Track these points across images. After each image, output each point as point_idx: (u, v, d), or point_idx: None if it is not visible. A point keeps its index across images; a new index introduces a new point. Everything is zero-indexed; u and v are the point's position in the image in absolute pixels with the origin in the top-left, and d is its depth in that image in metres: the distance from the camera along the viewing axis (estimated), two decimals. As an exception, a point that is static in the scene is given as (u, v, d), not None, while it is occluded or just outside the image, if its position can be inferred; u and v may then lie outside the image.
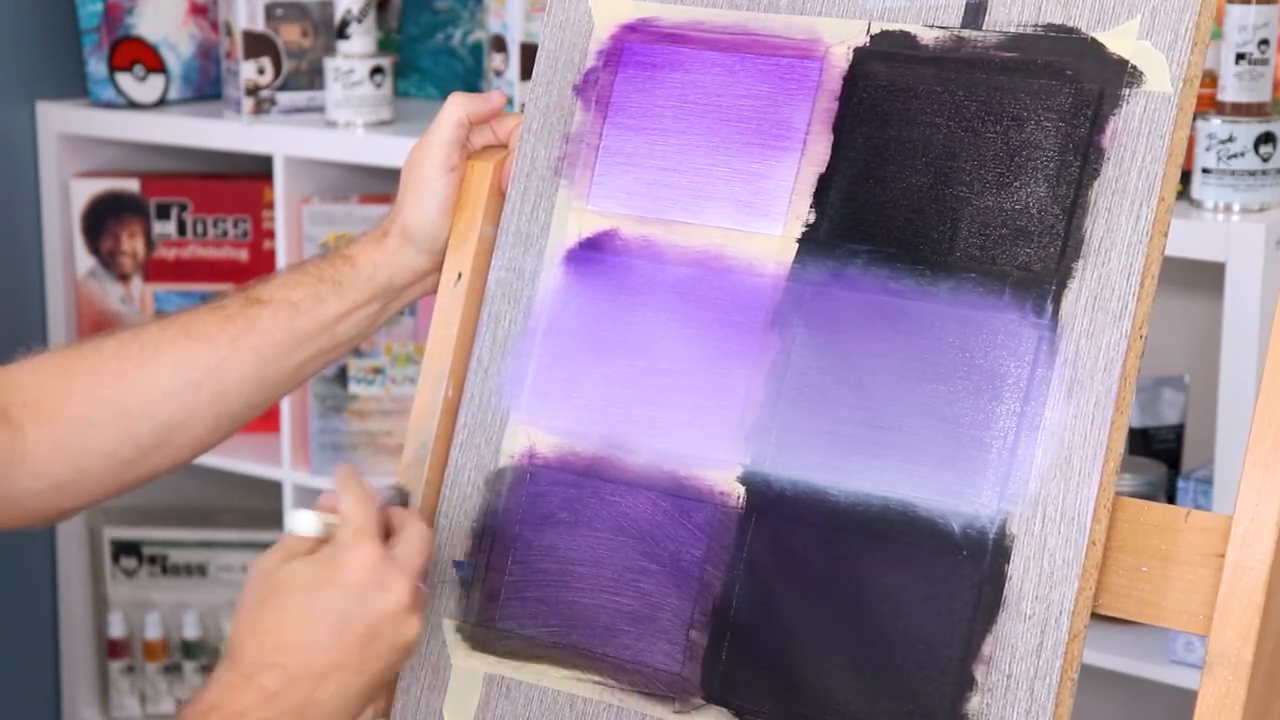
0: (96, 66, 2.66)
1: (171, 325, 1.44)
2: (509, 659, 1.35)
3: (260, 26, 2.56)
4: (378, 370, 2.52)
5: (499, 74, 2.41)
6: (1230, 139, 1.94)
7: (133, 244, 2.73)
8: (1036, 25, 1.26)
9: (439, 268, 1.45)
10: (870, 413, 1.26)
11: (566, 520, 1.34)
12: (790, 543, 1.27)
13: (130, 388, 1.41)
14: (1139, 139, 1.21)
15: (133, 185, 2.72)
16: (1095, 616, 1.21)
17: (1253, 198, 1.95)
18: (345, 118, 2.48)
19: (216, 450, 2.55)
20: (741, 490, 1.29)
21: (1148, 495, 2.03)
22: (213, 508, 2.88)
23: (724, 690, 1.27)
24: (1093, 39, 1.24)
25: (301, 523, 1.26)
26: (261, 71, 2.57)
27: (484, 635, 1.36)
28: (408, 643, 1.24)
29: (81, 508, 1.45)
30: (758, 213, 1.32)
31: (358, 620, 1.21)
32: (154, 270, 2.73)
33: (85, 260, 2.72)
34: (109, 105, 2.67)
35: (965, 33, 1.28)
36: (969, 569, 1.21)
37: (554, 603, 1.34)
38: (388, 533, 1.26)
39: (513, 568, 1.35)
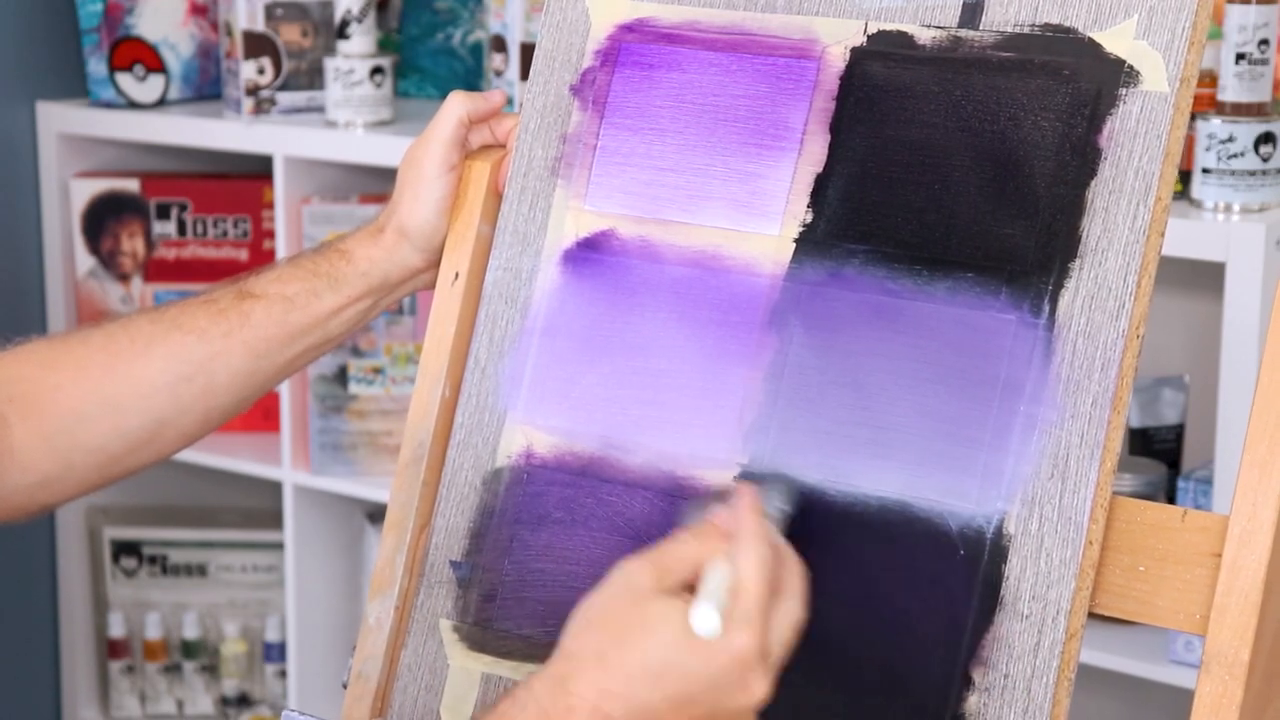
0: (96, 66, 2.66)
1: (162, 318, 1.43)
2: (506, 659, 1.35)
3: (260, 26, 2.56)
4: (378, 370, 2.52)
5: (499, 74, 2.41)
6: (1230, 139, 1.94)
7: (133, 244, 2.73)
8: (1033, 25, 1.26)
9: (433, 265, 1.45)
10: (868, 412, 1.26)
11: (564, 520, 1.34)
12: (787, 542, 1.26)
13: (121, 382, 1.40)
14: (1136, 139, 1.21)
15: (133, 185, 2.72)
16: (1093, 616, 1.21)
17: (1253, 198, 1.95)
18: (345, 118, 2.48)
19: (216, 450, 2.61)
20: (739, 490, 1.29)
21: (1148, 495, 2.03)
22: (213, 508, 2.89)
23: (721, 690, 1.27)
24: (1090, 39, 1.24)
25: (706, 624, 1.11)
26: (261, 71, 2.57)
27: (481, 635, 1.36)
28: None
29: (65, 502, 1.44)
30: (755, 213, 1.32)
31: (701, 707, 1.11)
32: (154, 270, 2.73)
33: (85, 260, 2.72)
34: (109, 105, 2.67)
35: (962, 32, 1.28)
36: (966, 569, 1.21)
37: (551, 603, 1.33)
38: (775, 594, 1.14)
39: (510, 568, 1.35)
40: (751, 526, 1.14)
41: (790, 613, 1.14)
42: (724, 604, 1.11)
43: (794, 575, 1.15)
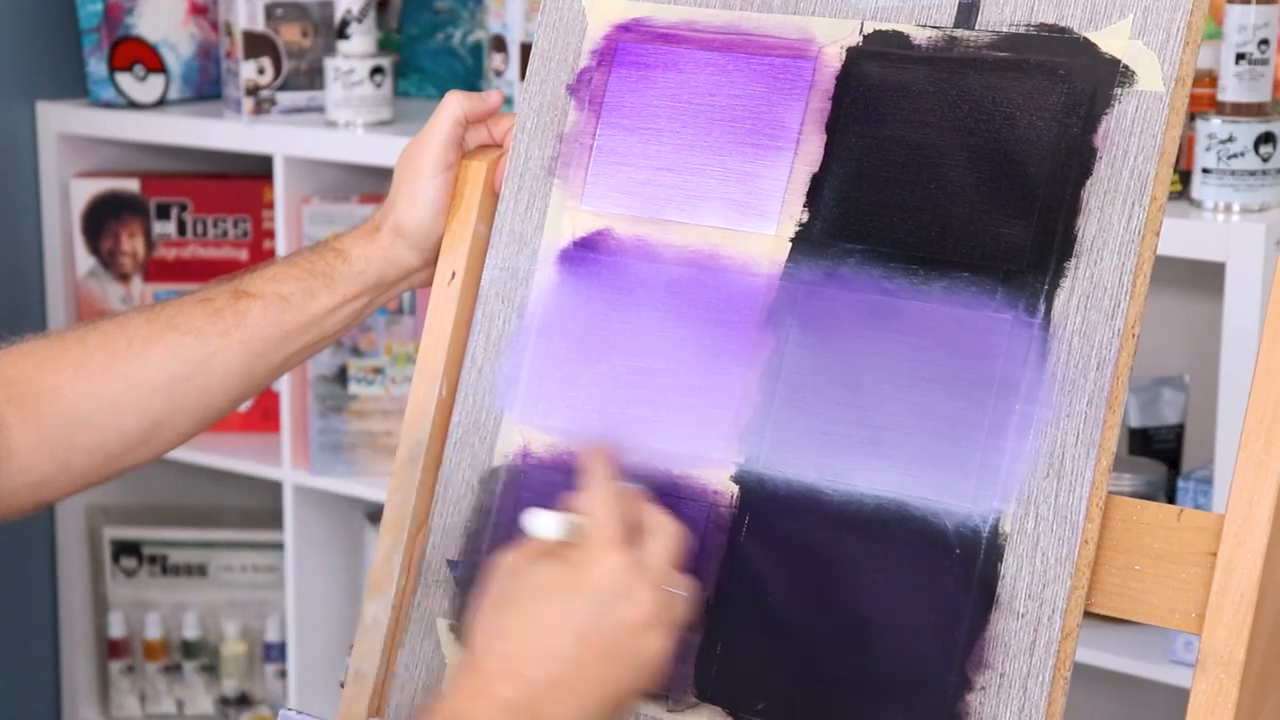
0: (96, 66, 2.66)
1: (159, 317, 1.43)
2: (503, 658, 1.35)
3: (260, 26, 2.57)
4: (378, 370, 2.52)
5: (499, 74, 2.41)
6: (1230, 139, 1.94)
7: (133, 244, 2.73)
8: (1029, 25, 1.26)
9: (429, 264, 1.45)
10: (864, 412, 1.26)
11: (560, 519, 1.34)
12: (784, 542, 1.27)
13: (119, 383, 1.41)
14: (1131, 138, 1.21)
15: (133, 185, 2.72)
16: (1090, 615, 1.21)
17: (1253, 198, 1.95)
18: (345, 118, 2.48)
19: (216, 450, 2.61)
20: (735, 489, 1.29)
21: (1148, 495, 2.03)
22: (213, 508, 2.89)
23: (717, 689, 1.27)
24: (1085, 38, 1.24)
25: (541, 526, 1.18)
26: (261, 71, 2.57)
27: (478, 634, 1.36)
28: (651, 659, 1.16)
29: (61, 499, 1.45)
30: (751, 212, 1.32)
31: (599, 631, 1.14)
32: (154, 270, 2.74)
33: (85, 260, 2.72)
34: (109, 105, 2.67)
35: (958, 32, 1.28)
36: (962, 568, 1.21)
37: (548, 602, 1.33)
38: (637, 530, 1.19)
39: (506, 567, 1.35)
40: (596, 476, 1.21)
41: (663, 528, 1.20)
42: (572, 522, 1.18)
43: (651, 509, 1.21)
